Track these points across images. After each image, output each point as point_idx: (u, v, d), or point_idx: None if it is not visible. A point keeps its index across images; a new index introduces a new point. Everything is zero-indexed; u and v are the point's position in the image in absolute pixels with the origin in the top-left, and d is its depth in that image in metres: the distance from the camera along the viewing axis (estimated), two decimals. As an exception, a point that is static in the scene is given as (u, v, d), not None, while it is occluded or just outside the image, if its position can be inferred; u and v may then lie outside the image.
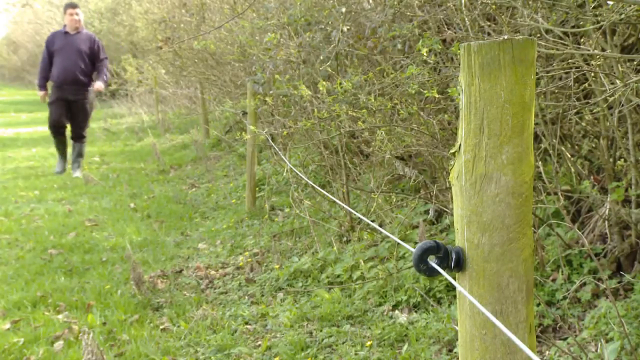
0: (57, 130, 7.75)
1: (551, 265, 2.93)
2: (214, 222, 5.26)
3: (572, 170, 3.03)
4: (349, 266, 3.60)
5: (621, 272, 2.74)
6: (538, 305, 2.70)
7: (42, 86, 7.78)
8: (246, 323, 3.26)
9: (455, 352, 2.64)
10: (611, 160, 2.95)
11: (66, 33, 7.69)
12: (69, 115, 7.68)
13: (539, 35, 2.61)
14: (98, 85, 7.63)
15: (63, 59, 7.54)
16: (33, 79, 30.58)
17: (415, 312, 3.09)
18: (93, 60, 7.73)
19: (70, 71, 7.50)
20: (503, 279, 1.18)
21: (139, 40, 12.99)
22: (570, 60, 2.70)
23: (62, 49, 7.56)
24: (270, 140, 4.90)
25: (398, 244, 3.45)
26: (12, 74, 36.02)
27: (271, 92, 4.78)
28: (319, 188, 3.78)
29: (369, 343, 2.84)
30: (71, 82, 7.53)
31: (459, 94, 1.20)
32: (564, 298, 2.74)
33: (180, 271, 4.15)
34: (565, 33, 2.72)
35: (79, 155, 7.95)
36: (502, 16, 2.78)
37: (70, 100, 7.58)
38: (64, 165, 8.01)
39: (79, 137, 7.85)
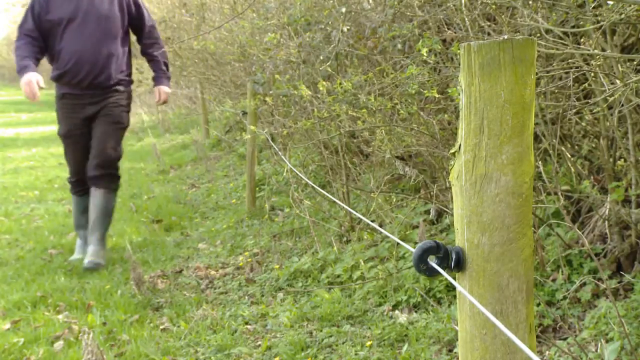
0: (82, 182, 4.39)
1: (551, 265, 2.93)
2: (214, 222, 5.26)
3: (572, 170, 3.03)
4: (349, 266, 3.60)
5: (621, 272, 2.73)
6: (538, 305, 2.70)
7: (25, 70, 4.09)
8: (246, 323, 3.26)
9: (455, 352, 2.64)
10: (611, 160, 2.95)
11: None
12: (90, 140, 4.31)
13: (539, 35, 2.61)
14: (161, 90, 4.50)
15: (75, 38, 4.12)
16: (33, 79, 30.59)
17: (415, 312, 3.09)
18: (129, 32, 4.40)
19: (88, 61, 4.13)
20: (503, 279, 1.18)
21: (139, 40, 12.98)
22: (570, 60, 2.70)
23: (69, 19, 4.11)
24: (270, 140, 4.90)
25: (398, 244, 3.45)
26: (12, 74, 36.02)
27: (271, 92, 4.78)
28: (319, 188, 3.78)
29: (369, 343, 2.84)
30: (93, 81, 4.19)
31: (459, 94, 1.20)
32: (564, 298, 2.74)
33: (180, 271, 4.15)
34: (565, 33, 2.72)
35: (104, 214, 4.33)
36: (502, 16, 2.78)
37: (90, 115, 4.26)
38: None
39: (103, 175, 4.26)
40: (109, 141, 4.28)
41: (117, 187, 4.42)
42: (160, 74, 4.56)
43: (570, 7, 2.55)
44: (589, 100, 2.75)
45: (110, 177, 4.31)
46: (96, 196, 4.29)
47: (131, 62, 4.45)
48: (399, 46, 3.60)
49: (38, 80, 4.11)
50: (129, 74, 4.43)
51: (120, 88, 4.33)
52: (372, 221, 4.09)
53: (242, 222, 5.09)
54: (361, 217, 1.86)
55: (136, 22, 4.42)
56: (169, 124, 11.91)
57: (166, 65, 4.59)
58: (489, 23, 3.01)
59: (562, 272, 2.81)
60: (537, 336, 2.54)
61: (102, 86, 4.24)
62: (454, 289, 1.69)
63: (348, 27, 4.05)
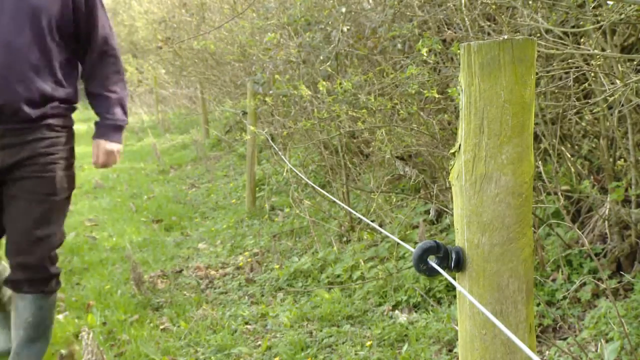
0: None
1: (551, 265, 2.93)
2: (214, 222, 5.26)
3: (572, 170, 3.03)
4: (349, 266, 3.60)
5: (621, 272, 2.74)
6: (538, 305, 2.70)
7: None
8: (246, 323, 3.26)
9: (455, 352, 2.64)
10: (611, 160, 2.95)
11: None
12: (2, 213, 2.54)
13: (539, 35, 2.61)
14: (101, 145, 2.66)
15: None
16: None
17: (415, 312, 3.09)
18: (71, 42, 2.57)
19: (4, 75, 2.38)
20: (503, 279, 1.18)
21: (139, 40, 13.01)
22: (570, 60, 2.70)
23: None
24: (270, 140, 4.90)
25: (398, 244, 3.45)
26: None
27: (271, 92, 4.78)
28: (319, 188, 3.78)
29: (369, 343, 2.84)
30: (12, 110, 2.40)
31: (459, 94, 1.19)
32: (564, 298, 2.74)
33: (180, 271, 4.15)
34: (565, 33, 2.72)
35: (38, 329, 2.59)
36: (502, 16, 2.78)
37: (2, 168, 2.46)
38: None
39: (31, 279, 2.53)
40: (39, 228, 2.50)
41: (57, 286, 2.64)
42: (106, 120, 2.68)
43: (570, 7, 2.55)
44: (589, 100, 2.75)
45: (43, 280, 2.56)
46: (23, 305, 2.56)
47: (75, 80, 2.63)
48: (399, 46, 3.60)
49: None
50: (72, 98, 2.60)
51: (55, 122, 2.55)
52: (372, 221, 4.09)
53: (242, 222, 5.09)
54: (361, 217, 1.86)
55: (83, 25, 2.57)
56: (169, 124, 11.91)
57: (122, 106, 2.70)
58: (489, 23, 3.01)
59: (562, 272, 2.81)
60: (537, 336, 2.54)
61: (26, 118, 2.45)
62: (454, 289, 1.69)
63: (348, 27, 4.05)
